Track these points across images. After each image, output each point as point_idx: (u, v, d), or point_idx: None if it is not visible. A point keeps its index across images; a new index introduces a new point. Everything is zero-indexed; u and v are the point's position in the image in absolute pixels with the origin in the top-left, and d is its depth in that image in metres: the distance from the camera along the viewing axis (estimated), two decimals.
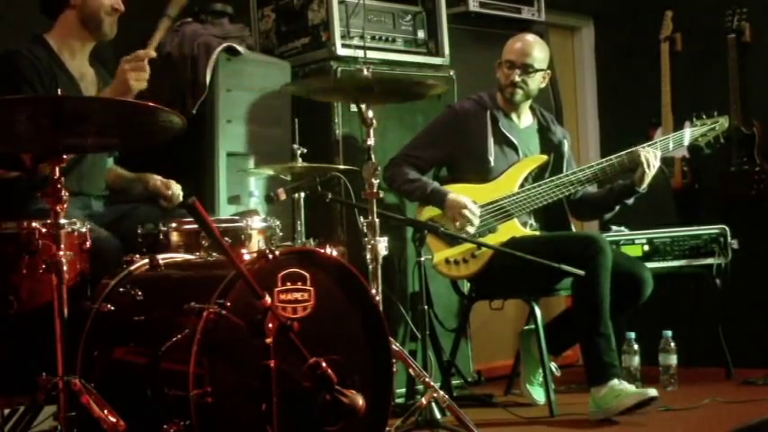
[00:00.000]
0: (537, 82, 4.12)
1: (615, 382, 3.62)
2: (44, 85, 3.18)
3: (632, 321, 4.39)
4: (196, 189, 3.58)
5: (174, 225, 2.96)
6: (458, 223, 3.89)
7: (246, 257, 2.58)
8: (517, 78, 4.06)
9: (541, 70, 4.11)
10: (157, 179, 3.46)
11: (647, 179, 3.98)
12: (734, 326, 4.63)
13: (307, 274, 2.60)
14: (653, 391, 3.58)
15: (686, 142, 4.24)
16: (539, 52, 4.11)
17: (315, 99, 3.82)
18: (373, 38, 4.31)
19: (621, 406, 3.56)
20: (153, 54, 3.19)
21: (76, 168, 3.24)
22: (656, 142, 4.16)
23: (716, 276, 4.47)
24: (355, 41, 4.23)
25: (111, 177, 3.52)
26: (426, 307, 3.68)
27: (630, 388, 3.62)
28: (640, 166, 3.96)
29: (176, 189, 3.45)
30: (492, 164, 4.05)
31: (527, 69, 4.07)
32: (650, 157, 3.96)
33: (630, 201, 4.12)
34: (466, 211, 3.89)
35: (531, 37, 4.18)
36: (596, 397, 3.64)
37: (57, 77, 3.23)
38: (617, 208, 4.19)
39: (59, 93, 2.42)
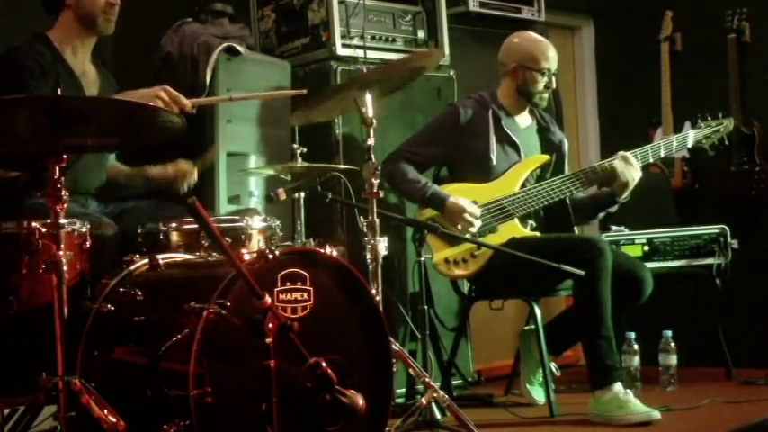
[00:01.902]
0: None
1: (619, 388, 3.61)
2: (48, 80, 3.18)
3: (632, 321, 4.38)
4: (196, 189, 3.58)
5: (174, 225, 2.96)
6: (459, 226, 3.88)
7: (246, 257, 2.58)
8: (554, 85, 4.06)
9: None
10: (156, 167, 3.45)
11: (628, 190, 3.98)
12: (734, 326, 4.62)
13: (306, 274, 2.60)
14: (657, 414, 3.54)
15: (690, 144, 4.23)
16: None
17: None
18: (373, 38, 4.31)
19: (626, 421, 3.52)
20: (192, 110, 3.26)
21: (72, 166, 3.23)
22: (659, 143, 4.15)
23: (716, 276, 4.46)
24: (355, 41, 4.23)
25: (112, 174, 3.52)
26: (426, 307, 3.68)
27: (636, 403, 3.58)
28: (617, 179, 3.95)
29: (184, 164, 3.44)
30: (494, 163, 4.03)
31: (555, 74, 4.07)
32: (629, 172, 3.94)
33: (614, 209, 4.13)
34: (466, 215, 3.88)
35: (543, 38, 4.17)
36: (600, 401, 3.63)
37: (59, 75, 3.23)
38: (599, 216, 4.20)
39: (60, 91, 2.42)
